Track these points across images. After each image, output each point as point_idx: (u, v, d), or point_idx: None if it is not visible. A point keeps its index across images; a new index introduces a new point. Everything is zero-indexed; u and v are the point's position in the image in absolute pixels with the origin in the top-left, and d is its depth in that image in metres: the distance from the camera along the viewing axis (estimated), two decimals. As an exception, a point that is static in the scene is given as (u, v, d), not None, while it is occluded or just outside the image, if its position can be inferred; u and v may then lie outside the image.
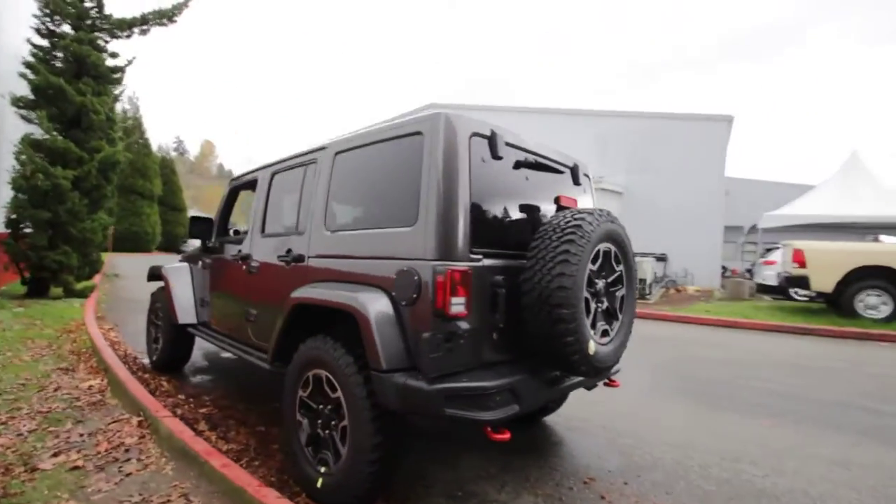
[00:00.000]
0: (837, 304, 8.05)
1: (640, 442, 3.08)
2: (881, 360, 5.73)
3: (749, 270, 17.56)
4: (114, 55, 7.75)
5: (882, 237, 15.57)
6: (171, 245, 33.47)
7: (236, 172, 4.07)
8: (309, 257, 2.55)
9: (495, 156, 2.17)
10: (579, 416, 3.46)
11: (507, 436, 1.89)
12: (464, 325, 1.92)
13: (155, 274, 4.51)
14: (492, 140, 2.17)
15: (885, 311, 7.45)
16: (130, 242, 25.77)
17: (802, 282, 8.09)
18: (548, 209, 2.47)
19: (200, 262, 3.97)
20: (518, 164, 2.37)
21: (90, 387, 3.67)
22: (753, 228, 15.07)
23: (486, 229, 2.11)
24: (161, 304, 4.22)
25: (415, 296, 1.92)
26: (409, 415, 1.94)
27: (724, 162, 15.28)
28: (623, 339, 2.38)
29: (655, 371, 4.94)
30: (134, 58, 7.96)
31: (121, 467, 2.42)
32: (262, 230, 3.09)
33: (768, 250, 14.85)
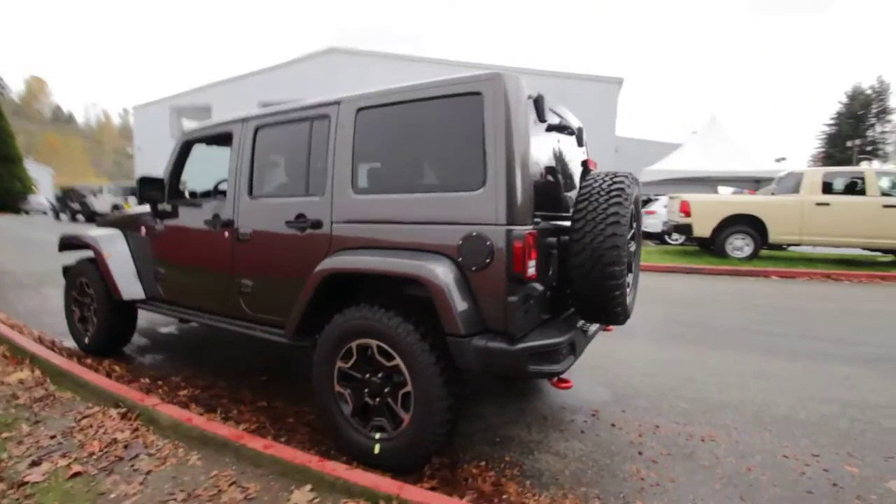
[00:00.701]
0: (710, 246, 9.61)
1: (618, 376, 3.52)
2: (755, 291, 7.07)
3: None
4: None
5: (719, 188, 18.57)
6: (5, 203, 27.51)
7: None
8: (334, 223, 2.38)
9: (542, 118, 2.20)
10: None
11: (570, 384, 2.07)
12: (537, 286, 2.00)
13: (71, 243, 3.82)
14: (538, 103, 2.19)
15: (747, 251, 9.09)
16: (-51, 202, 20.74)
17: (687, 229, 9.47)
18: (569, 172, 2.59)
19: (144, 229, 3.43)
20: (550, 128, 2.42)
21: (21, 381, 3.07)
22: (635, 182, 16.97)
23: (537, 192, 2.16)
24: (90, 278, 3.60)
25: (487, 261, 1.94)
26: (486, 374, 2.00)
27: (614, 120, 16.74)
28: (636, 289, 2.66)
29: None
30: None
31: (133, 466, 2.14)
32: (250, 192, 2.77)
33: (647, 201, 16.97)
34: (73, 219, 21.87)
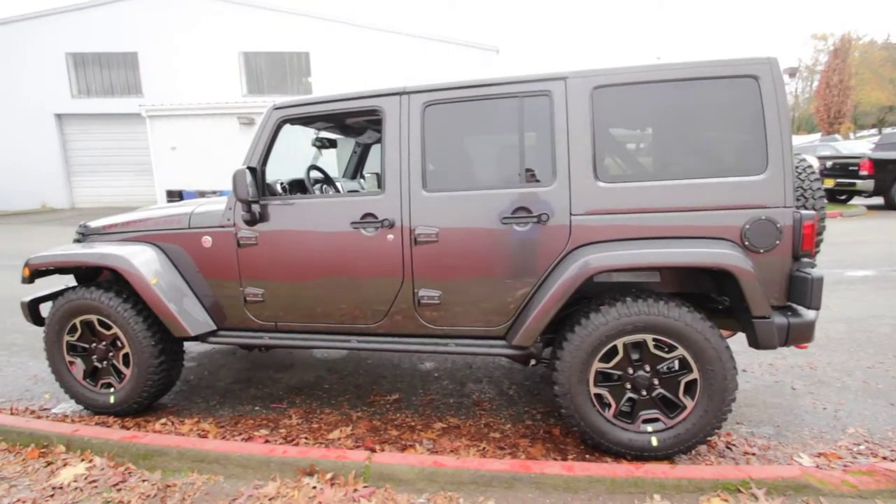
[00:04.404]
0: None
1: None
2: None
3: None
4: None
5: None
6: None
7: None
8: (573, 215, 2.15)
9: None
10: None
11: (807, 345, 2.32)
12: (814, 261, 2.16)
13: (51, 268, 2.69)
14: None
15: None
16: None
17: None
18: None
19: (210, 239, 2.57)
20: None
21: (86, 478, 2.12)
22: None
23: None
24: (111, 314, 2.57)
25: (777, 242, 2.03)
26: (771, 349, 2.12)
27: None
28: None
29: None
30: None
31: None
32: (424, 184, 2.29)
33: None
34: None
